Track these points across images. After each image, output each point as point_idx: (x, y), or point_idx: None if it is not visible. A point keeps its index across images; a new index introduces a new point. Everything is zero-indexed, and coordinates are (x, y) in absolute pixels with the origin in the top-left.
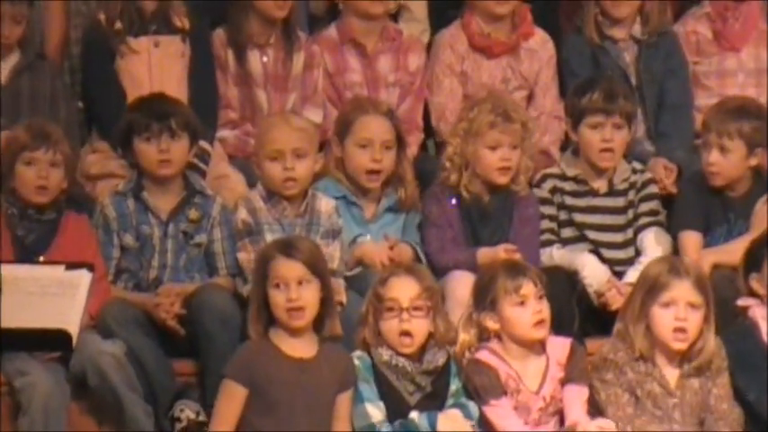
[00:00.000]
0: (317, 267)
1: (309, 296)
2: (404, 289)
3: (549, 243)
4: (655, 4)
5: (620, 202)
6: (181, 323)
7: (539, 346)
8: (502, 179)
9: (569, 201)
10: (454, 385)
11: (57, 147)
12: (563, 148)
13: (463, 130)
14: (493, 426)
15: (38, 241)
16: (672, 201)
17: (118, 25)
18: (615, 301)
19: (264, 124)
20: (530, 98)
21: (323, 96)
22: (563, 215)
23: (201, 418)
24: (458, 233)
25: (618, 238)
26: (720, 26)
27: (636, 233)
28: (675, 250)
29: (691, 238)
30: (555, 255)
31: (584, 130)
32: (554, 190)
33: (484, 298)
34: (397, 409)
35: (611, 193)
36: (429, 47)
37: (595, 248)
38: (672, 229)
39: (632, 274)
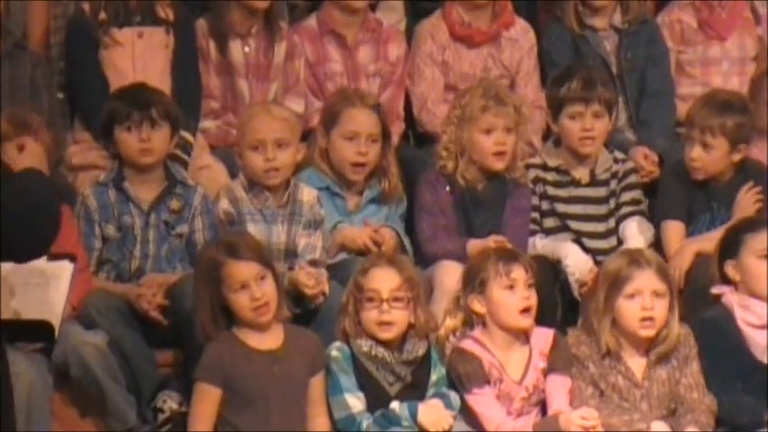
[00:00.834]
0: (266, 259)
1: (270, 290)
2: (384, 280)
3: (532, 233)
4: None
5: (601, 191)
6: (163, 313)
7: (523, 336)
8: (498, 164)
9: (551, 191)
10: (435, 375)
11: (37, 136)
12: (544, 138)
13: (457, 117)
14: (475, 414)
15: None
16: (654, 190)
17: (102, 16)
18: None
19: (246, 114)
20: (511, 88)
21: (304, 86)
22: (545, 205)
23: (184, 408)
24: (450, 221)
25: (600, 227)
26: (707, 15)
27: (618, 223)
28: (658, 239)
29: (673, 228)
30: (538, 244)
31: (565, 121)
32: (536, 180)
33: (473, 279)
34: (377, 400)
35: (593, 183)
36: (406, 36)
37: (578, 238)
38: (654, 218)
39: None
